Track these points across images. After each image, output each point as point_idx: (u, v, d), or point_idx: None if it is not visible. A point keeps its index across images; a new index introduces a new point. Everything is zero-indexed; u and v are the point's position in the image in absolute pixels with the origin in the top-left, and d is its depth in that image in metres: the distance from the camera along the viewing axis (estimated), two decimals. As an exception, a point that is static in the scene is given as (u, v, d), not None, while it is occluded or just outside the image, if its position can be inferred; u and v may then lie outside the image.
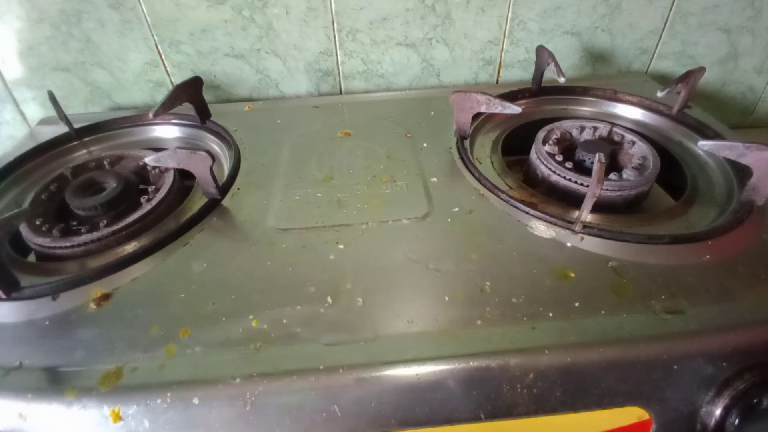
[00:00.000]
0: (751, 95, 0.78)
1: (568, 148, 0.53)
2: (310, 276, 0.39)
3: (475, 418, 0.33)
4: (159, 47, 0.68)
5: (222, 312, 0.37)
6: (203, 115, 0.61)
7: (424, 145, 0.56)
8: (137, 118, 0.64)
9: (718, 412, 0.33)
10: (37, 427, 0.32)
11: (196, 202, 0.49)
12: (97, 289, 0.39)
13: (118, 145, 0.62)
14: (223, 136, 0.59)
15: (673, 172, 0.53)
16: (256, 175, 0.53)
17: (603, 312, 0.35)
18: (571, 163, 0.49)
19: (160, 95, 0.70)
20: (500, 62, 0.73)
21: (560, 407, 0.33)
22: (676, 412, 0.34)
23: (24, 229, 0.45)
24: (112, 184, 0.50)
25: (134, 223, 0.45)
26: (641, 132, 0.56)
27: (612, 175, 0.47)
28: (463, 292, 0.37)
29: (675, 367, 0.33)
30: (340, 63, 0.71)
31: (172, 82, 0.71)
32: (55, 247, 0.44)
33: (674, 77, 0.58)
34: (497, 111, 0.52)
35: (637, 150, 0.52)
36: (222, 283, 0.39)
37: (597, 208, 0.42)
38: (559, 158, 0.50)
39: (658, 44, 0.73)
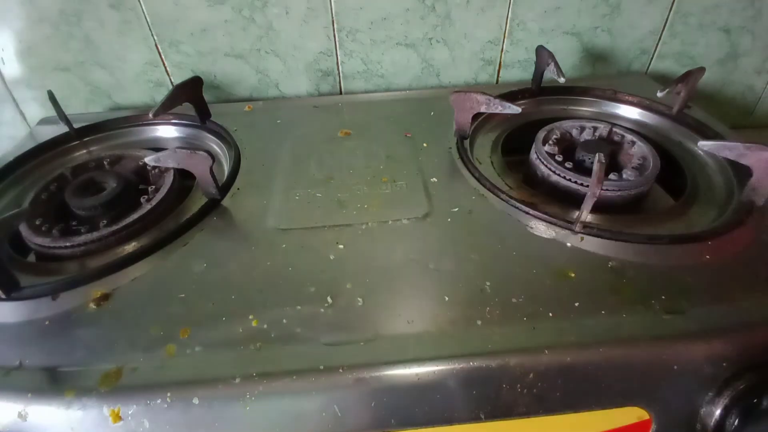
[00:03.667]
0: (751, 95, 0.78)
1: (568, 148, 0.53)
2: (310, 276, 0.39)
3: (475, 418, 0.33)
4: (159, 47, 0.68)
5: (222, 312, 0.37)
6: (203, 115, 0.61)
7: (424, 145, 0.56)
8: (137, 118, 0.64)
9: (718, 412, 0.33)
10: (37, 427, 0.32)
11: (196, 202, 0.49)
12: (97, 289, 0.39)
13: (118, 145, 0.62)
14: (223, 136, 0.59)
15: (673, 172, 0.53)
16: (256, 175, 0.53)
17: (603, 312, 0.35)
18: (571, 163, 0.49)
19: (160, 95, 0.70)
20: (500, 62, 0.73)
21: (560, 407, 0.33)
22: (676, 412, 0.34)
23: (24, 229, 0.45)
24: (112, 184, 0.50)
25: (134, 223, 0.45)
26: (641, 132, 0.56)
27: (612, 175, 0.47)
28: (463, 292, 0.37)
29: (675, 367, 0.33)
30: (340, 63, 0.71)
31: (172, 82, 0.71)
32: (55, 247, 0.44)
33: (674, 77, 0.58)
34: (497, 111, 0.52)
35: (637, 150, 0.52)
36: (222, 283, 0.39)
37: (597, 208, 0.41)
38: (559, 158, 0.50)
39: (658, 44, 0.73)
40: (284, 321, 0.35)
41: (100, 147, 0.62)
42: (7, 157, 0.57)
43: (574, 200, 0.45)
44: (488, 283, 0.38)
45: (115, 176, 0.51)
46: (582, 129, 0.55)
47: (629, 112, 0.63)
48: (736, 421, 0.32)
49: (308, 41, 0.69)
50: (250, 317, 0.36)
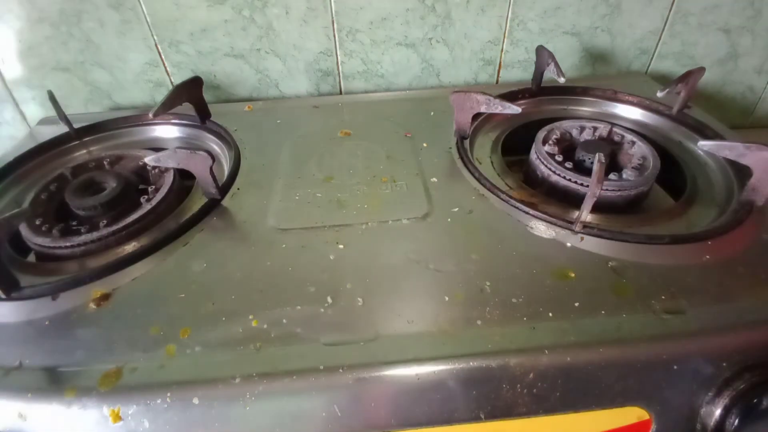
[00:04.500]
0: (751, 95, 0.78)
1: (568, 148, 0.53)
2: (310, 276, 0.39)
3: (475, 418, 0.33)
4: (159, 47, 0.68)
5: (222, 312, 0.37)
6: (203, 115, 0.61)
7: (424, 145, 0.56)
8: (137, 118, 0.64)
9: (718, 412, 0.33)
10: (36, 427, 0.32)
11: (196, 202, 0.49)
12: (96, 289, 0.39)
13: (118, 145, 0.62)
14: (223, 136, 0.60)
15: (673, 172, 0.53)
16: (256, 175, 0.53)
17: (603, 312, 0.35)
18: (571, 163, 0.49)
19: (160, 95, 0.70)
20: (500, 62, 0.73)
21: (560, 407, 0.33)
22: (676, 412, 0.34)
23: (24, 229, 0.45)
24: (112, 184, 0.50)
25: (134, 223, 0.45)
26: (641, 132, 0.56)
27: (612, 175, 0.47)
28: (463, 292, 0.37)
29: (675, 367, 0.33)
30: (340, 63, 0.71)
31: (172, 82, 0.71)
32: (54, 247, 0.44)
33: (674, 77, 0.58)
34: (497, 111, 0.52)
35: (637, 150, 0.52)
36: (222, 283, 0.39)
37: (597, 208, 0.41)
38: (559, 158, 0.50)
39: (658, 44, 0.73)
40: (284, 321, 0.35)
41: (100, 147, 0.62)
42: (7, 157, 0.57)
43: (574, 200, 0.45)
44: (488, 283, 0.38)
45: (115, 176, 0.51)
46: (582, 129, 0.55)
47: (629, 112, 0.63)
48: (736, 421, 0.32)
49: (308, 41, 0.69)
50: (250, 317, 0.36)
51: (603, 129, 0.54)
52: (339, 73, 0.73)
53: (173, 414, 0.31)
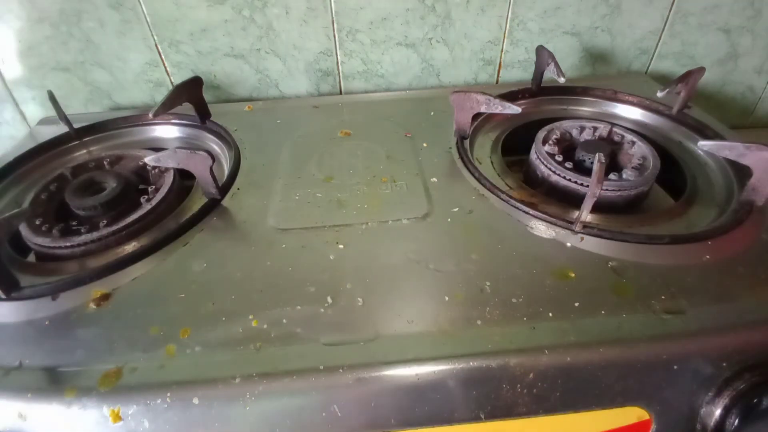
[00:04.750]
0: (751, 95, 0.78)
1: (568, 148, 0.53)
2: (310, 276, 0.39)
3: (475, 418, 0.33)
4: (159, 47, 0.68)
5: (222, 312, 0.37)
6: (203, 115, 0.61)
7: (424, 145, 0.56)
8: (137, 118, 0.64)
9: (718, 412, 0.33)
10: (36, 427, 0.32)
11: (196, 202, 0.49)
12: (96, 289, 0.39)
13: (118, 145, 0.62)
14: (223, 136, 0.60)
15: (673, 172, 0.53)
16: (256, 175, 0.53)
17: (603, 312, 0.35)
18: (571, 163, 0.49)
19: (160, 95, 0.70)
20: (500, 62, 0.73)
21: (560, 407, 0.33)
22: (676, 412, 0.34)
23: (24, 229, 0.45)
24: (112, 184, 0.50)
25: (134, 223, 0.45)
26: (641, 132, 0.56)
27: (612, 175, 0.47)
28: (463, 292, 0.37)
29: (675, 367, 0.33)
30: (340, 63, 0.71)
31: (172, 82, 0.71)
32: (54, 247, 0.44)
33: (674, 77, 0.58)
34: (497, 111, 0.52)
35: (637, 150, 0.52)
36: (222, 283, 0.39)
37: (597, 208, 0.41)
38: (559, 158, 0.50)
39: (658, 44, 0.73)
40: (284, 321, 0.35)
41: (100, 147, 0.62)
42: (7, 157, 0.57)
43: (574, 200, 0.45)
44: (488, 283, 0.38)
45: (115, 176, 0.51)
46: (582, 129, 0.55)
47: (629, 112, 0.63)
48: (736, 421, 0.32)
49: (308, 41, 0.69)
50: (250, 317, 0.36)
51: (603, 129, 0.54)
52: (339, 73, 0.73)
53: (173, 414, 0.31)
